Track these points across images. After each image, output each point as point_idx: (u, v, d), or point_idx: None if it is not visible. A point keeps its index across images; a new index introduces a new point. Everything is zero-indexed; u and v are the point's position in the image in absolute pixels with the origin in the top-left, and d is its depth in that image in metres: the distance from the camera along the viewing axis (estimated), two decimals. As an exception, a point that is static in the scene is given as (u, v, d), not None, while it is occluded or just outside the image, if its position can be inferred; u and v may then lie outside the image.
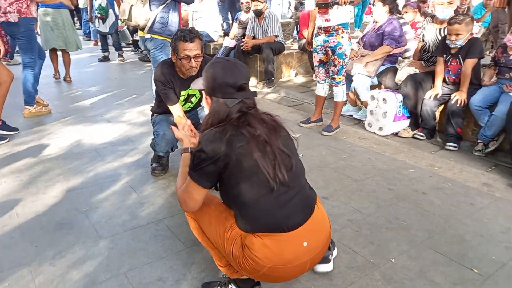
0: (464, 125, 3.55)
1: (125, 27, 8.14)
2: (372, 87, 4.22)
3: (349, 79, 4.19)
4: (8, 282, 1.87)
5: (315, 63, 3.94)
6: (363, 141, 3.68)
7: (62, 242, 2.15)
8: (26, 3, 3.92)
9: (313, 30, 4.02)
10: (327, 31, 3.64)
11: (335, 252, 2.02)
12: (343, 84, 3.84)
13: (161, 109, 2.84)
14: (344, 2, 3.26)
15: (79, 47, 5.80)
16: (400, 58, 4.18)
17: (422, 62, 3.96)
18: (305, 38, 5.98)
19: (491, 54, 4.23)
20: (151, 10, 3.73)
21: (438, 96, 3.57)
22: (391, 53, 4.14)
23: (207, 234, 1.68)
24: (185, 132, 1.86)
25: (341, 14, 3.56)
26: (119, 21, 7.09)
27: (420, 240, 2.19)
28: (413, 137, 3.75)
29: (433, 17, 3.93)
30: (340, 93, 3.84)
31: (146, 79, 6.16)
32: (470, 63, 3.39)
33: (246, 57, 5.92)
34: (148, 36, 3.83)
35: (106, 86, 5.66)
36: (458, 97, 3.39)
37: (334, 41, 3.64)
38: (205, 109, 1.69)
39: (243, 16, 6.09)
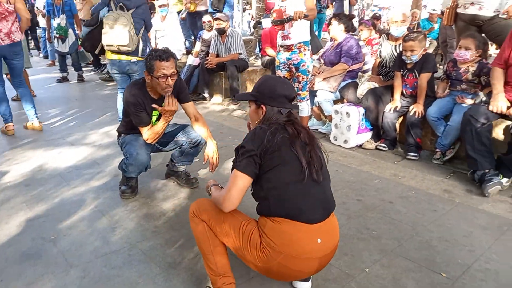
0: (423, 135, 3.74)
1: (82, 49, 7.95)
2: (335, 102, 4.37)
3: (312, 94, 4.32)
4: (-28, 321, 1.76)
5: (280, 80, 4.03)
6: (329, 154, 3.73)
7: (30, 274, 2.06)
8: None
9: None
10: (289, 49, 3.76)
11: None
12: (307, 100, 3.95)
13: (128, 129, 2.80)
14: (299, 17, 3.37)
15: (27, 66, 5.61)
16: (360, 73, 4.37)
17: (381, 77, 4.16)
18: (267, 55, 6.14)
19: (441, 67, 4.51)
20: (137, 35, 4.00)
21: (398, 109, 3.76)
22: (350, 69, 4.32)
23: (219, 234, 1.76)
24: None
25: (302, 32, 3.69)
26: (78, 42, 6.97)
27: (391, 248, 2.28)
28: (377, 148, 3.91)
29: (388, 34, 4.15)
30: (305, 108, 3.95)
31: (108, 99, 6.04)
32: (425, 77, 3.60)
33: (210, 75, 5.97)
34: (134, 59, 4.06)
35: (66, 108, 5.49)
36: (416, 109, 3.58)
37: (297, 59, 3.76)
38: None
39: (206, 34, 6.15)
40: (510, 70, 2.99)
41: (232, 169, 1.70)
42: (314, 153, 1.70)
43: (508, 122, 3.14)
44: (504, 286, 1.98)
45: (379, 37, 5.17)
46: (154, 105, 2.61)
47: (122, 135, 2.88)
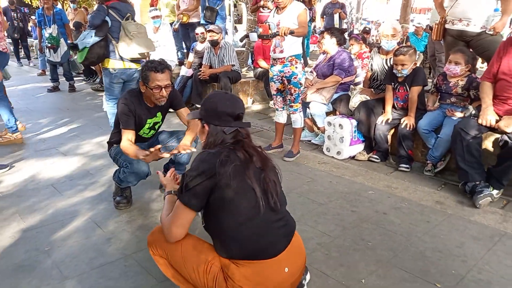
0: (414, 147, 3.81)
1: (75, 57, 7.93)
2: (327, 114, 4.43)
3: (305, 106, 4.38)
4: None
5: (273, 92, 4.09)
6: (323, 165, 3.83)
7: (24, 286, 2.03)
8: None
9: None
10: (281, 62, 3.82)
11: (308, 277, 2.07)
12: (300, 111, 4.00)
13: (120, 138, 2.80)
14: (284, 33, 3.45)
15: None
16: (351, 86, 4.44)
17: (372, 89, 4.23)
18: (260, 67, 6.20)
19: (430, 80, 4.61)
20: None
21: (389, 121, 3.82)
22: (342, 81, 4.39)
23: (180, 271, 1.66)
24: (170, 178, 1.93)
25: (294, 45, 3.75)
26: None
27: (386, 259, 2.30)
28: (369, 160, 3.96)
29: (379, 47, 4.24)
30: (298, 120, 3.99)
31: (100, 109, 6.00)
32: (415, 90, 3.68)
33: (203, 86, 6.00)
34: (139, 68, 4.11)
35: (57, 118, 5.45)
36: (407, 122, 3.65)
37: (289, 71, 3.82)
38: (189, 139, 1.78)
39: (199, 46, 6.19)
40: (498, 84, 3.08)
41: (177, 199, 1.59)
42: (269, 178, 1.59)
43: (497, 135, 3.22)
44: (497, 296, 2.02)
45: (370, 51, 5.28)
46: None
47: (114, 145, 2.87)
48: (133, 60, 4.14)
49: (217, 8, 6.86)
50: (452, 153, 3.52)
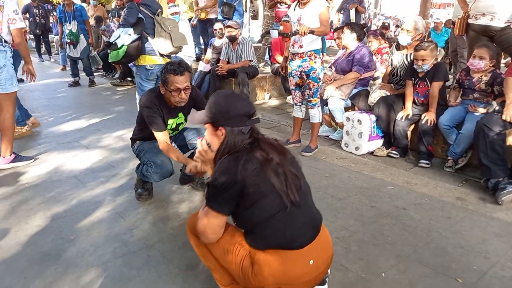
0: (434, 143, 3.76)
1: (94, 52, 8.06)
2: (346, 109, 4.41)
3: (323, 101, 4.36)
4: (-3, 317, 1.80)
5: (291, 87, 4.09)
6: (341, 160, 3.81)
7: (50, 273, 2.09)
8: None
9: (288, 56, 4.20)
10: (300, 56, 3.81)
11: (328, 271, 2.08)
12: (318, 106, 3.99)
13: (142, 136, 2.85)
14: (304, 32, 3.44)
15: None
16: (371, 82, 4.41)
17: (392, 85, 4.19)
18: (277, 63, 6.20)
19: (451, 76, 4.54)
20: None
21: (409, 117, 3.78)
22: (361, 77, 4.36)
23: (212, 251, 1.71)
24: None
25: (313, 41, 3.74)
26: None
27: (406, 254, 2.29)
28: (388, 156, 3.93)
29: (398, 43, 4.19)
30: (316, 115, 3.98)
31: (119, 103, 6.13)
32: (436, 85, 3.63)
33: (221, 81, 6.03)
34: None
35: (79, 112, 5.56)
36: (428, 117, 3.61)
37: (307, 66, 3.81)
38: (202, 139, 1.77)
39: (217, 41, 6.22)
40: (523, 79, 3.02)
41: (205, 205, 1.61)
42: (289, 172, 1.60)
43: (521, 131, 3.16)
44: (520, 293, 1.99)
45: (389, 46, 5.22)
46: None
47: (137, 142, 2.92)
48: (167, 55, 4.16)
49: (235, 4, 6.87)
50: (473, 149, 3.48)
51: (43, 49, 11.45)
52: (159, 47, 4.05)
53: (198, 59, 7.76)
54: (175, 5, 6.93)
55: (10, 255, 2.24)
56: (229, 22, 5.74)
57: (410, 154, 3.95)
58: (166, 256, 2.25)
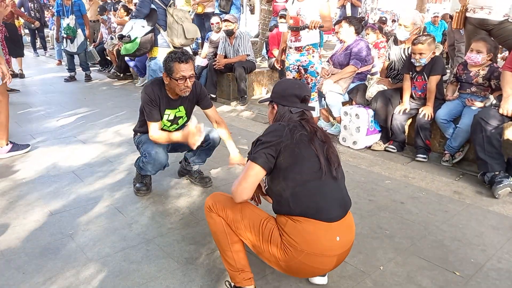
0: (431, 137, 3.77)
1: (91, 47, 8.01)
2: (343, 103, 4.41)
3: (321, 95, 4.36)
4: (-3, 312, 1.80)
5: (290, 81, 4.07)
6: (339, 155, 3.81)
7: (50, 268, 2.09)
8: None
9: (284, 49, 4.19)
10: (299, 50, 3.80)
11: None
12: (316, 101, 4.00)
13: (145, 128, 2.84)
14: (314, 26, 3.44)
15: None
16: (368, 76, 4.41)
17: (390, 79, 4.19)
18: (275, 57, 6.18)
19: (448, 71, 4.54)
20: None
21: (407, 111, 3.79)
22: (359, 71, 4.36)
23: (238, 230, 1.76)
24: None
25: (311, 35, 3.73)
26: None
27: (404, 247, 2.31)
28: (385, 150, 3.94)
29: (395, 37, 4.18)
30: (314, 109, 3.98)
31: (116, 98, 6.11)
32: (434, 79, 3.64)
33: (218, 76, 6.01)
34: None
35: (75, 107, 5.53)
36: (425, 111, 3.62)
37: (305, 60, 3.81)
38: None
39: (214, 35, 6.20)
40: (520, 73, 3.03)
41: (247, 160, 1.72)
42: (332, 151, 1.73)
43: (517, 125, 3.18)
44: (517, 285, 2.01)
45: (386, 41, 5.22)
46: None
47: (138, 134, 2.91)
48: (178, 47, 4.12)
49: (232, -3, 6.85)
50: (470, 144, 3.49)
51: (38, 43, 11.36)
52: (173, 38, 4.00)
53: (194, 53, 7.74)
54: (172, -1, 6.90)
55: (9, 250, 2.24)
56: (226, 16, 5.72)
57: (407, 148, 3.97)
58: (165, 250, 2.26)
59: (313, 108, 1.89)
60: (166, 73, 2.57)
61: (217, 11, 6.95)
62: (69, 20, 6.82)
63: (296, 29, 3.57)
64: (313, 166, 1.66)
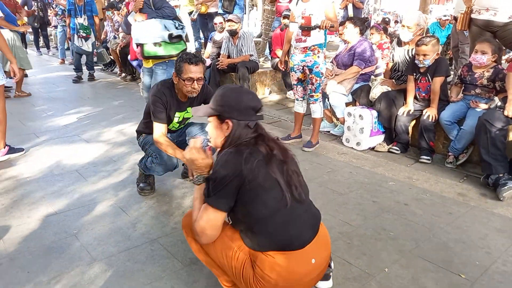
0: (435, 139, 3.77)
1: (102, 48, 7.95)
2: (347, 104, 4.40)
3: (324, 96, 4.36)
4: (2, 310, 1.80)
5: (293, 82, 4.08)
6: (342, 156, 3.82)
7: (55, 267, 2.09)
8: None
9: (288, 50, 4.19)
10: (304, 51, 3.80)
11: (332, 265, 2.09)
12: (320, 101, 3.99)
13: (150, 129, 2.83)
14: (325, 26, 3.43)
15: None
16: (372, 77, 4.40)
17: (393, 80, 4.19)
18: (278, 57, 6.18)
19: (452, 72, 4.52)
20: None
21: (411, 112, 3.79)
22: (362, 72, 4.35)
23: (211, 256, 1.69)
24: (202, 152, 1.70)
25: (316, 35, 3.73)
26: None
27: (409, 249, 2.30)
28: (389, 151, 3.93)
29: (399, 39, 4.18)
30: (318, 110, 3.98)
31: (119, 97, 6.12)
32: (438, 81, 3.63)
33: (221, 76, 6.02)
34: None
35: (78, 106, 5.55)
36: (430, 113, 3.61)
37: (311, 61, 3.80)
38: (209, 133, 1.71)
39: (217, 35, 6.20)
40: (525, 75, 3.02)
41: (204, 202, 1.57)
42: (291, 170, 1.59)
43: (522, 127, 3.16)
44: (522, 287, 2.01)
45: (390, 42, 5.21)
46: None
47: (144, 134, 2.91)
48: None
49: (235, -3, 6.85)
50: (474, 145, 3.49)
51: (41, 42, 11.39)
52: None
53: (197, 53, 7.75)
54: (175, -2, 6.92)
55: (13, 249, 2.24)
56: (230, 16, 5.71)
57: (411, 149, 3.96)
58: (169, 250, 2.26)
59: (262, 117, 1.66)
60: (176, 73, 2.58)
61: (220, 11, 6.94)
62: (82, 20, 6.82)
63: (307, 29, 3.57)
64: (275, 195, 1.52)
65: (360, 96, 4.28)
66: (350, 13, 9.29)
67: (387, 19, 8.58)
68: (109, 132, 4.39)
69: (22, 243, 2.30)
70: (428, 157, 3.67)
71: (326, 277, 1.94)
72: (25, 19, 8.57)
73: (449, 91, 3.83)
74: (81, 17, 6.88)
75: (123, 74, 7.76)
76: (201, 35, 7.89)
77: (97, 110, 5.34)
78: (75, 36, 6.95)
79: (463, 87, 3.70)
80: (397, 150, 3.90)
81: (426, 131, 3.66)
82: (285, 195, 1.53)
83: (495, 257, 2.24)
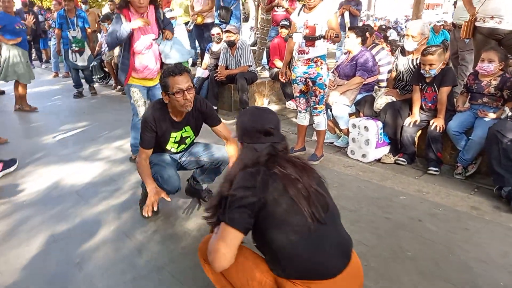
0: (443, 149, 3.69)
1: (95, 62, 7.78)
2: (350, 115, 4.33)
3: (327, 107, 4.27)
4: None
5: (296, 94, 3.99)
6: (349, 168, 3.73)
7: (57, 301, 1.97)
8: None
9: (290, 61, 4.11)
10: (306, 63, 3.72)
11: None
12: (324, 113, 3.91)
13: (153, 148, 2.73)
14: (330, 36, 3.36)
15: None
16: (376, 87, 4.34)
17: (398, 90, 4.12)
18: (276, 67, 6.11)
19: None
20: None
21: (417, 123, 3.71)
22: (365, 82, 4.28)
23: (233, 283, 1.59)
24: None
25: (318, 46, 3.65)
26: None
27: (429, 270, 2.21)
28: (395, 163, 3.85)
29: (403, 47, 4.12)
30: (322, 122, 3.90)
31: (116, 112, 5.97)
32: (445, 91, 3.56)
33: (219, 87, 5.92)
34: None
35: (75, 121, 5.41)
36: (437, 123, 3.54)
37: (314, 73, 3.72)
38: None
39: (214, 46, 6.11)
40: (535, 84, 2.96)
41: (219, 221, 1.49)
42: (311, 188, 1.51)
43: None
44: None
45: (390, 50, 5.16)
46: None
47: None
48: None
49: (232, 7, 6.79)
50: (483, 156, 3.42)
51: (34, 55, 11.24)
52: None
53: (193, 64, 7.66)
54: (170, 10, 6.83)
55: (12, 282, 2.11)
56: (228, 27, 5.63)
57: (417, 160, 3.88)
58: (178, 278, 2.14)
59: (283, 138, 1.63)
60: (164, 91, 2.47)
61: (216, 21, 6.86)
62: (76, 33, 6.65)
63: (312, 39, 3.49)
64: (299, 221, 1.44)
65: (364, 106, 4.20)
66: (347, 20, 9.28)
67: (383, 27, 8.56)
68: (107, 149, 4.26)
69: (22, 275, 2.18)
70: (437, 169, 3.59)
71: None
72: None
73: (455, 100, 3.76)
74: (74, 30, 6.70)
75: (119, 87, 7.64)
76: (197, 45, 7.81)
77: (94, 125, 5.21)
78: (69, 51, 6.77)
79: (469, 96, 3.64)
80: (404, 162, 3.82)
81: (434, 142, 3.59)
82: (308, 220, 1.45)
83: (519, 277, 2.15)
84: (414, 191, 3.24)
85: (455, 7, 11.76)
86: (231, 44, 5.63)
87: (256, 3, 20.92)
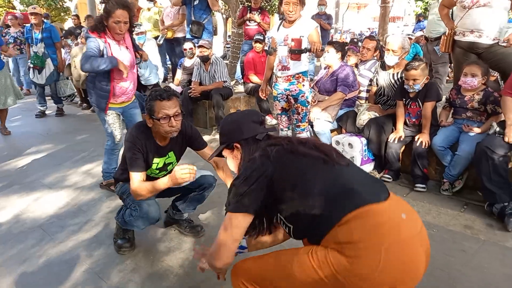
0: (428, 165, 3.62)
1: (63, 78, 7.30)
2: (331, 131, 4.21)
3: (309, 124, 4.14)
4: None
5: (277, 111, 3.84)
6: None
7: None
8: None
9: (270, 77, 3.96)
10: (288, 79, 3.58)
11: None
12: (307, 131, 3.77)
13: (128, 176, 2.47)
14: (316, 49, 3.23)
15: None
16: (357, 103, 4.25)
17: (380, 105, 4.04)
18: (251, 82, 5.96)
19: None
20: None
21: (402, 139, 3.63)
22: (346, 97, 4.19)
23: (270, 278, 1.43)
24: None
25: (300, 62, 3.52)
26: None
27: (435, 302, 2.06)
28: (381, 180, 3.75)
29: (383, 62, 4.06)
30: (305, 140, 3.75)
31: (83, 132, 5.60)
32: (429, 105, 3.50)
33: (194, 104, 5.70)
34: None
35: (37, 144, 5.00)
36: (422, 139, 3.47)
37: (295, 90, 3.58)
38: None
39: (187, 62, 5.90)
40: (521, 99, 2.93)
41: (225, 212, 1.46)
42: (318, 143, 1.53)
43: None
44: None
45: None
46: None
47: (121, 182, 2.53)
48: None
49: (204, 22, 6.60)
50: (469, 171, 3.36)
51: None
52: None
53: (164, 79, 7.40)
54: (140, 25, 6.55)
55: None
56: (201, 42, 5.44)
57: (402, 176, 3.80)
58: (162, 328, 1.89)
59: (273, 129, 1.70)
60: (148, 114, 2.25)
61: (188, 36, 6.66)
62: (37, 49, 6.17)
63: (298, 52, 3.35)
64: (317, 167, 1.41)
65: (346, 122, 4.10)
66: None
67: (355, 39, 8.63)
68: (74, 174, 3.93)
69: (-24, 335, 1.86)
70: (423, 185, 3.51)
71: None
72: None
73: (438, 115, 3.72)
74: (36, 45, 6.25)
75: (85, 105, 7.24)
76: (167, 59, 7.57)
77: (59, 148, 4.84)
78: (30, 67, 6.33)
79: (452, 111, 3.60)
80: (389, 178, 3.72)
81: (420, 158, 3.50)
82: (326, 160, 1.42)
83: (527, 304, 2.04)
84: (404, 210, 3.12)
85: (418, 20, 12.17)
86: (205, 60, 5.44)
87: (224, 16, 20.95)
